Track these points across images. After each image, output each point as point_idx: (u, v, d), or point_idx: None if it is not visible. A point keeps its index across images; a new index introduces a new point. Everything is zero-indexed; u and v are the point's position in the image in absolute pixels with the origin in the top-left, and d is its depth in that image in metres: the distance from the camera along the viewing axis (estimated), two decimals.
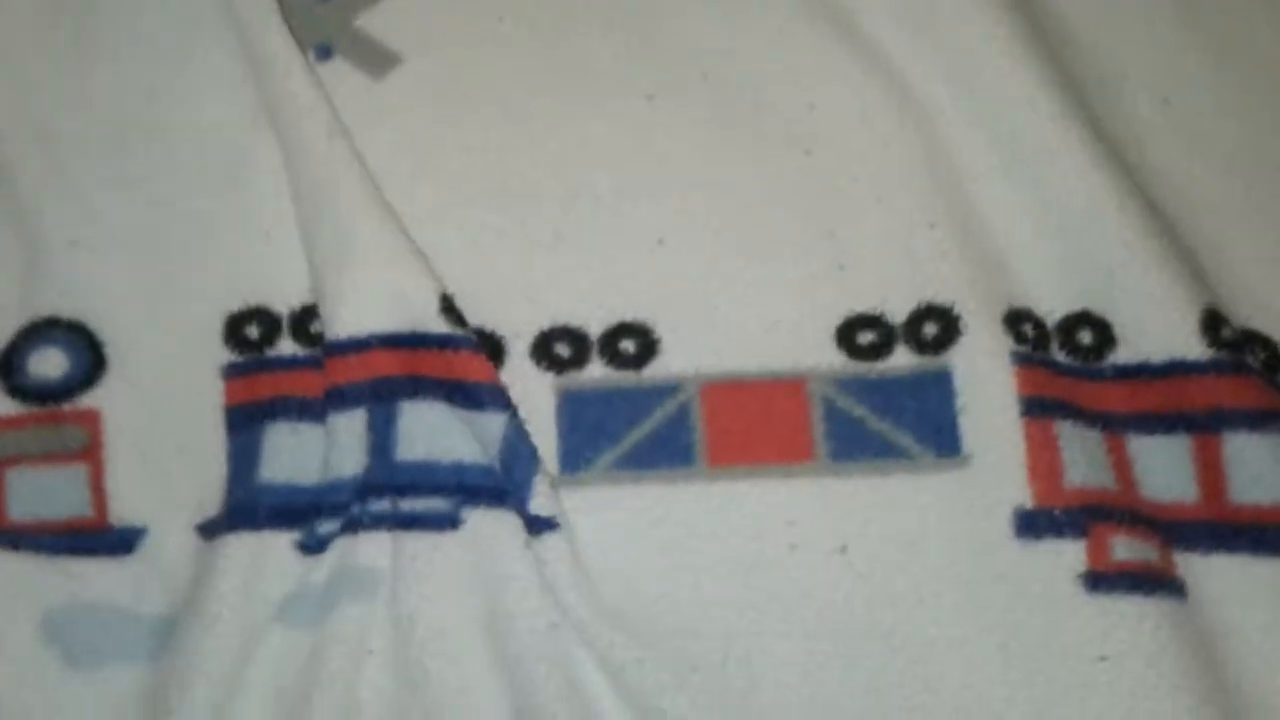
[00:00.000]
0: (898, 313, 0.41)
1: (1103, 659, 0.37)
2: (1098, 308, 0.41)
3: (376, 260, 0.41)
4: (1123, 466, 0.39)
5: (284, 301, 0.42)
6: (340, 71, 0.45)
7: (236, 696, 0.38)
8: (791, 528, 0.40)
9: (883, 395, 0.41)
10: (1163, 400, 0.40)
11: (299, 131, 0.42)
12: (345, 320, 0.40)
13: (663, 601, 0.39)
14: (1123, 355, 0.41)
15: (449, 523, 0.39)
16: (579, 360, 0.42)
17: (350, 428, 0.40)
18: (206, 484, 0.40)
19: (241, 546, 0.38)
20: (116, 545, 0.39)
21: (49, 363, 0.42)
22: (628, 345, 0.42)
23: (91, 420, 0.41)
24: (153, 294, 0.42)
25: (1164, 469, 0.39)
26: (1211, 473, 0.39)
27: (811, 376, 0.41)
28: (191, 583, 0.39)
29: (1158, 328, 0.40)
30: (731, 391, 0.41)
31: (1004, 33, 0.43)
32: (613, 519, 0.40)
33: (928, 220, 0.42)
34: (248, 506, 0.39)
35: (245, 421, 0.41)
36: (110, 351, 0.42)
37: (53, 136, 0.44)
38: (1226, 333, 0.40)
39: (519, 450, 0.39)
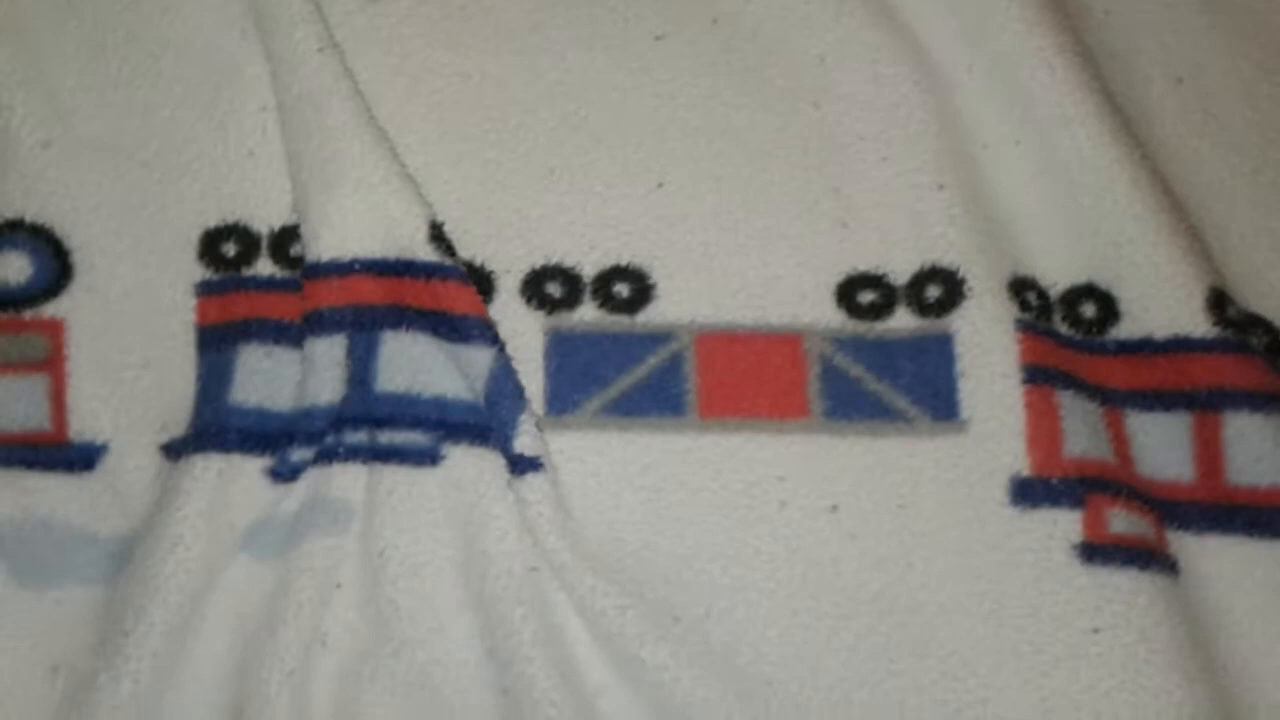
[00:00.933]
0: (900, 274, 0.41)
1: (1095, 630, 0.36)
2: (1102, 280, 0.40)
3: (364, 182, 0.39)
4: (1120, 442, 0.39)
5: (264, 220, 0.41)
6: None
7: (195, 622, 0.36)
8: (782, 484, 0.38)
9: (881, 356, 0.40)
10: (1164, 377, 0.39)
11: (289, 43, 0.40)
12: (328, 242, 0.39)
13: (646, 551, 0.38)
14: (1125, 330, 0.40)
15: (429, 458, 0.38)
16: (570, 301, 0.40)
17: (329, 354, 0.38)
18: (172, 403, 0.39)
19: (209, 468, 0.37)
20: (75, 461, 0.37)
21: (11, 267, 0.39)
22: (621, 289, 0.41)
23: (54, 330, 0.39)
24: (125, 203, 0.40)
25: (1162, 447, 0.39)
26: (1210, 452, 0.38)
27: (809, 333, 0.40)
28: (152, 504, 0.37)
29: (1163, 303, 0.39)
30: (726, 343, 0.40)
31: None
32: (598, 464, 0.39)
33: (936, 182, 0.41)
34: (217, 428, 0.37)
35: (217, 341, 0.39)
36: (77, 260, 0.40)
37: (27, 30, 0.42)
38: (1231, 312, 0.39)
39: (505, 387, 0.38)
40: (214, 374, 0.38)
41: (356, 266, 0.39)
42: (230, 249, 0.40)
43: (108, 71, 0.42)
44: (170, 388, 0.39)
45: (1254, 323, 0.40)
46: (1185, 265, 0.39)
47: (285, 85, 0.41)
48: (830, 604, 0.37)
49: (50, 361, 0.38)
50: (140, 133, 0.41)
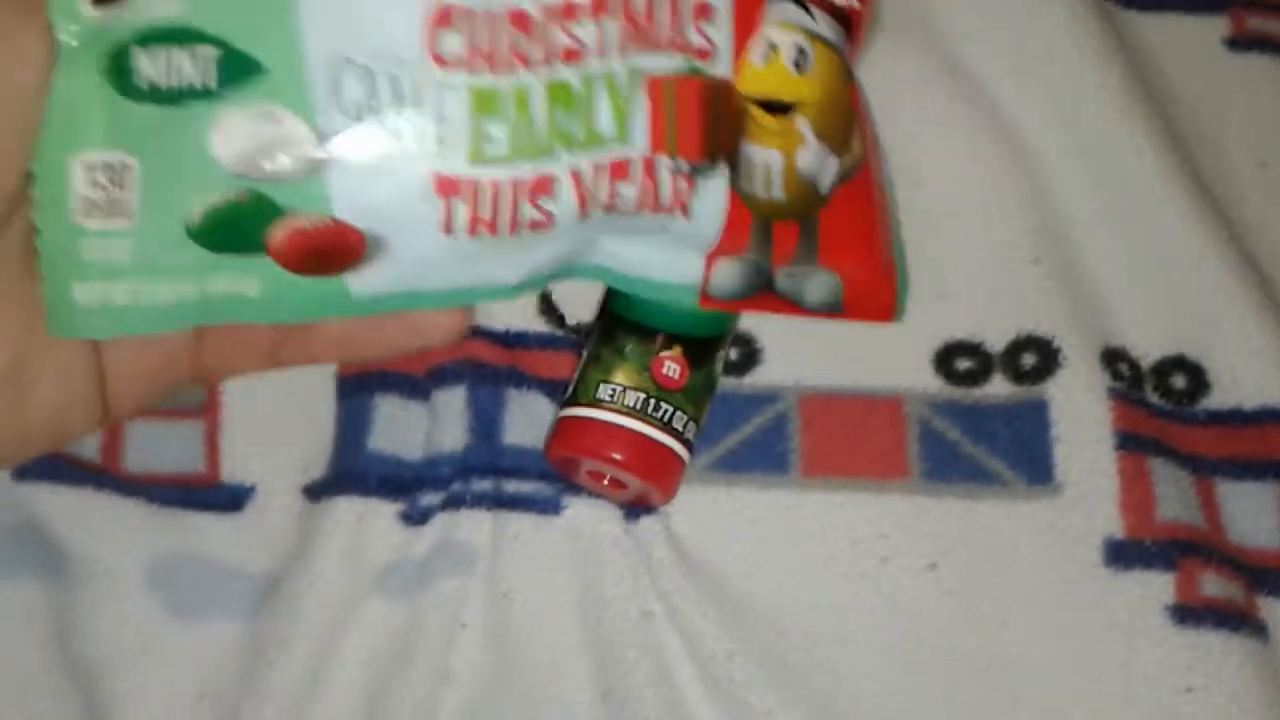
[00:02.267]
0: (996, 342, 0.43)
1: (1188, 690, 0.37)
2: (1193, 353, 0.42)
3: None
4: (1211, 509, 0.40)
5: None
6: None
7: (332, 656, 0.38)
8: (883, 541, 0.40)
9: (978, 420, 0.42)
10: (1253, 447, 0.41)
11: None
12: None
13: (753, 599, 0.40)
14: (1216, 401, 0.42)
15: (551, 507, 0.40)
16: None
17: (450, 405, 0.41)
18: (313, 447, 0.41)
19: (349, 510, 0.39)
20: (226, 501, 0.40)
21: None
22: (731, 353, 0.43)
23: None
24: None
25: (1251, 514, 0.40)
26: None
27: (909, 397, 0.42)
28: (295, 543, 0.40)
29: (1252, 375, 0.41)
30: (829, 405, 0.42)
31: (1114, 83, 0.45)
32: (707, 516, 0.41)
33: (1031, 256, 0.43)
34: (358, 472, 0.40)
35: (355, 390, 0.42)
36: None
37: None
38: None
39: None
40: (353, 421, 0.41)
41: (475, 333, 0.42)
42: None
43: None
44: (312, 432, 0.42)
45: None
46: (1273, 339, 0.41)
47: None
48: (928, 658, 0.39)
49: (206, 408, 0.41)
50: None
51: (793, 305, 0.36)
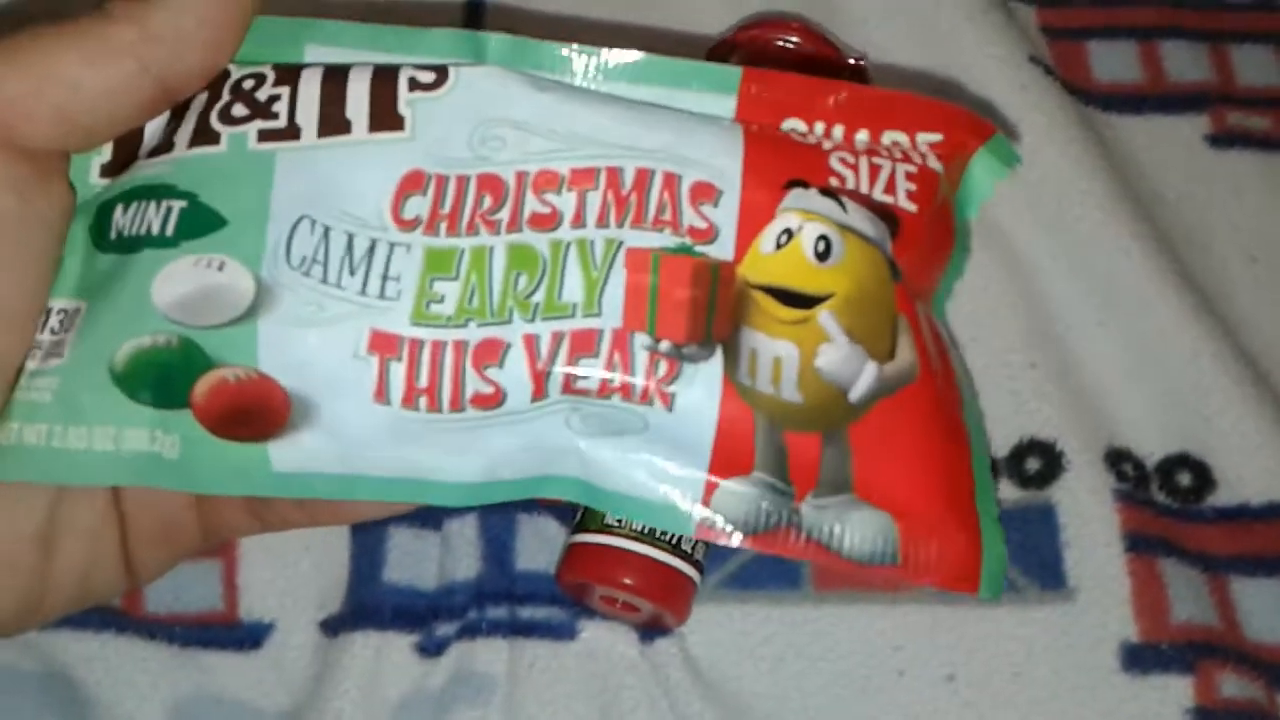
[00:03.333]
0: (1000, 448, 0.43)
1: None
2: (1196, 450, 0.43)
3: None
4: (1226, 607, 0.40)
5: None
6: None
7: None
8: (899, 653, 0.40)
9: None
10: (1264, 543, 0.41)
11: None
12: None
13: (771, 717, 0.40)
14: (1223, 498, 0.42)
15: (567, 632, 0.40)
16: None
17: (462, 532, 0.42)
18: (329, 582, 0.42)
19: (367, 645, 0.40)
20: (245, 640, 0.41)
21: None
22: None
23: None
24: None
25: (1268, 611, 0.40)
26: None
27: None
28: (313, 679, 0.40)
29: (1255, 471, 0.41)
30: None
31: (1099, 189, 0.46)
32: (722, 635, 0.41)
33: (1027, 361, 0.44)
34: (373, 606, 0.41)
35: (370, 524, 0.42)
36: None
37: None
38: None
39: None
40: (367, 553, 0.42)
41: None
42: None
43: None
44: (327, 567, 0.42)
45: None
46: (1275, 435, 0.41)
47: None
48: None
49: (224, 548, 0.42)
50: None
51: (830, 553, 0.28)
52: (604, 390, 0.28)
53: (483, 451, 0.28)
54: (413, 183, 0.28)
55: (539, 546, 0.42)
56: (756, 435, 0.27)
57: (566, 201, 0.28)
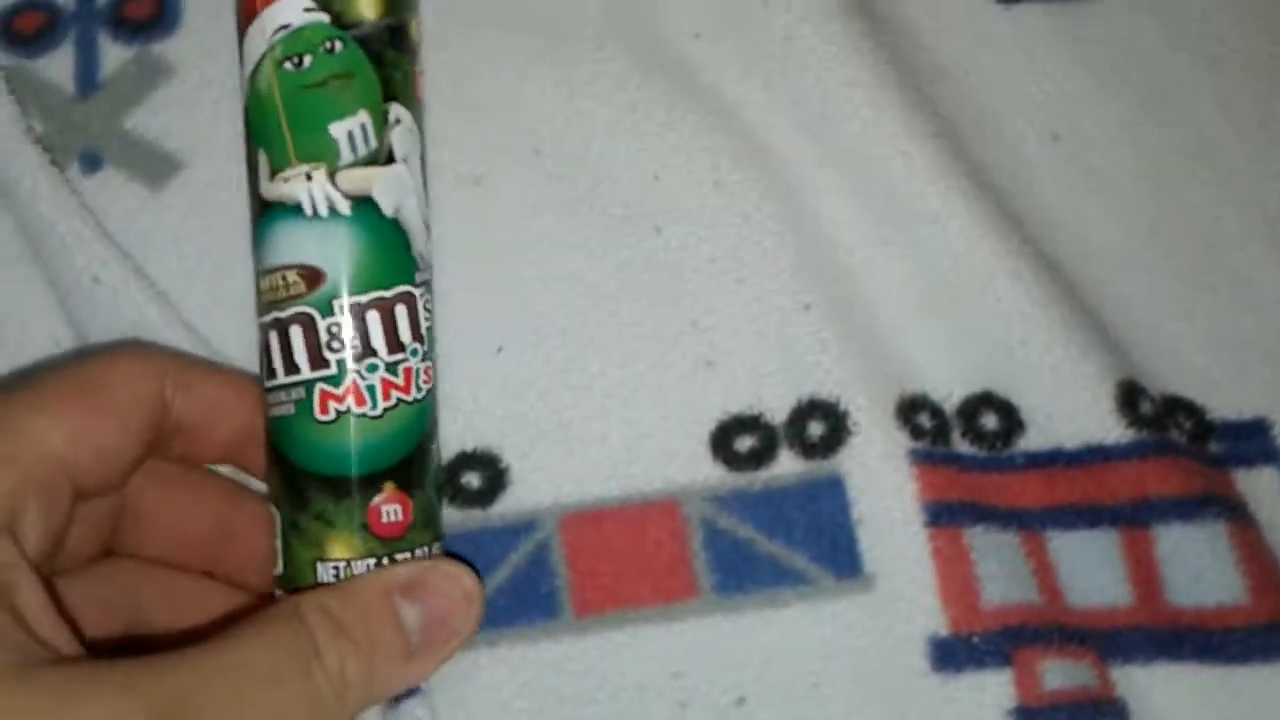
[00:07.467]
0: (777, 411, 0.36)
1: None
2: (1000, 388, 0.36)
3: None
4: (1045, 571, 0.34)
5: None
6: (113, 184, 0.38)
7: None
8: (679, 681, 0.34)
9: (769, 510, 0.35)
10: (1083, 491, 0.35)
11: (64, 265, 0.36)
12: None
13: None
14: (1034, 441, 0.36)
15: None
16: None
17: None
18: None
19: None
20: None
21: None
22: (471, 479, 0.36)
23: None
24: None
25: (1091, 570, 0.34)
26: (1144, 571, 0.34)
27: (686, 495, 0.36)
28: None
29: (1068, 409, 0.35)
30: (595, 522, 0.35)
31: (867, 76, 0.38)
32: (469, 693, 0.34)
33: (801, 302, 0.37)
34: None
35: None
36: None
37: None
38: (1146, 408, 0.35)
39: None
40: None
41: None
42: None
43: None
44: None
45: (1173, 408, 0.36)
46: (1086, 364, 0.35)
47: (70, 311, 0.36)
48: None
49: None
50: None
51: None
52: None
53: None
54: None
55: None
56: None
57: None
